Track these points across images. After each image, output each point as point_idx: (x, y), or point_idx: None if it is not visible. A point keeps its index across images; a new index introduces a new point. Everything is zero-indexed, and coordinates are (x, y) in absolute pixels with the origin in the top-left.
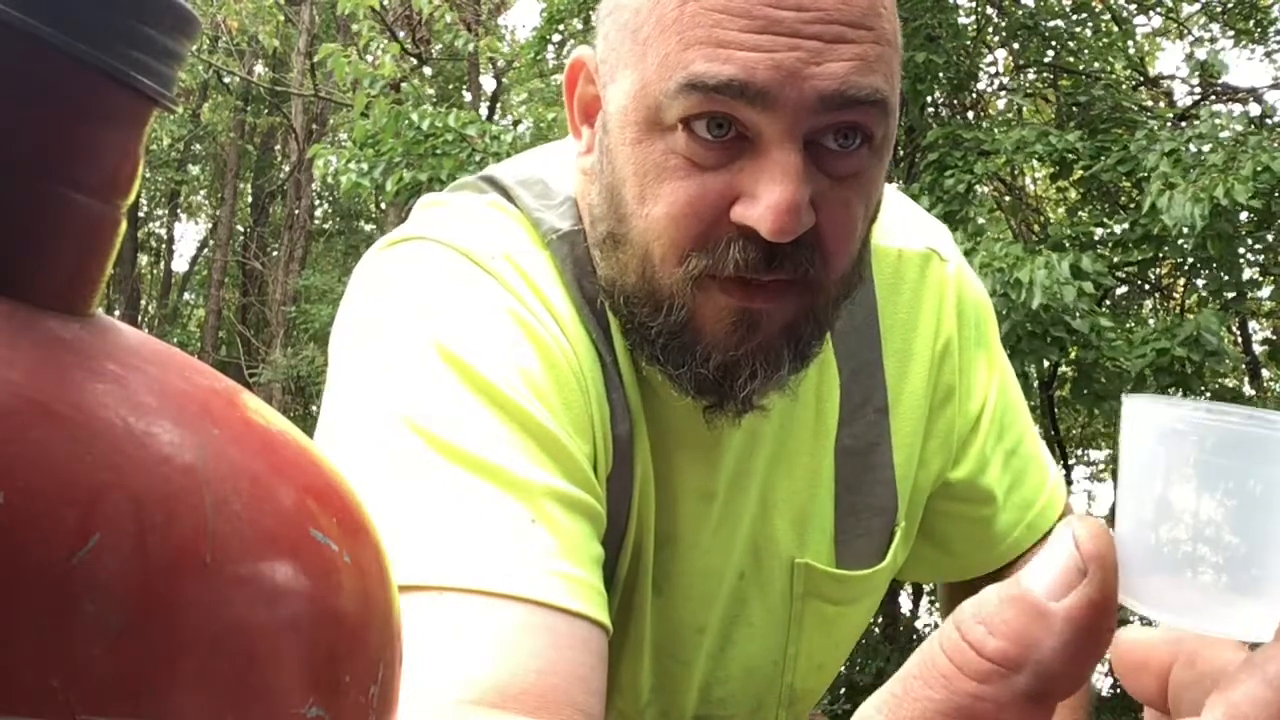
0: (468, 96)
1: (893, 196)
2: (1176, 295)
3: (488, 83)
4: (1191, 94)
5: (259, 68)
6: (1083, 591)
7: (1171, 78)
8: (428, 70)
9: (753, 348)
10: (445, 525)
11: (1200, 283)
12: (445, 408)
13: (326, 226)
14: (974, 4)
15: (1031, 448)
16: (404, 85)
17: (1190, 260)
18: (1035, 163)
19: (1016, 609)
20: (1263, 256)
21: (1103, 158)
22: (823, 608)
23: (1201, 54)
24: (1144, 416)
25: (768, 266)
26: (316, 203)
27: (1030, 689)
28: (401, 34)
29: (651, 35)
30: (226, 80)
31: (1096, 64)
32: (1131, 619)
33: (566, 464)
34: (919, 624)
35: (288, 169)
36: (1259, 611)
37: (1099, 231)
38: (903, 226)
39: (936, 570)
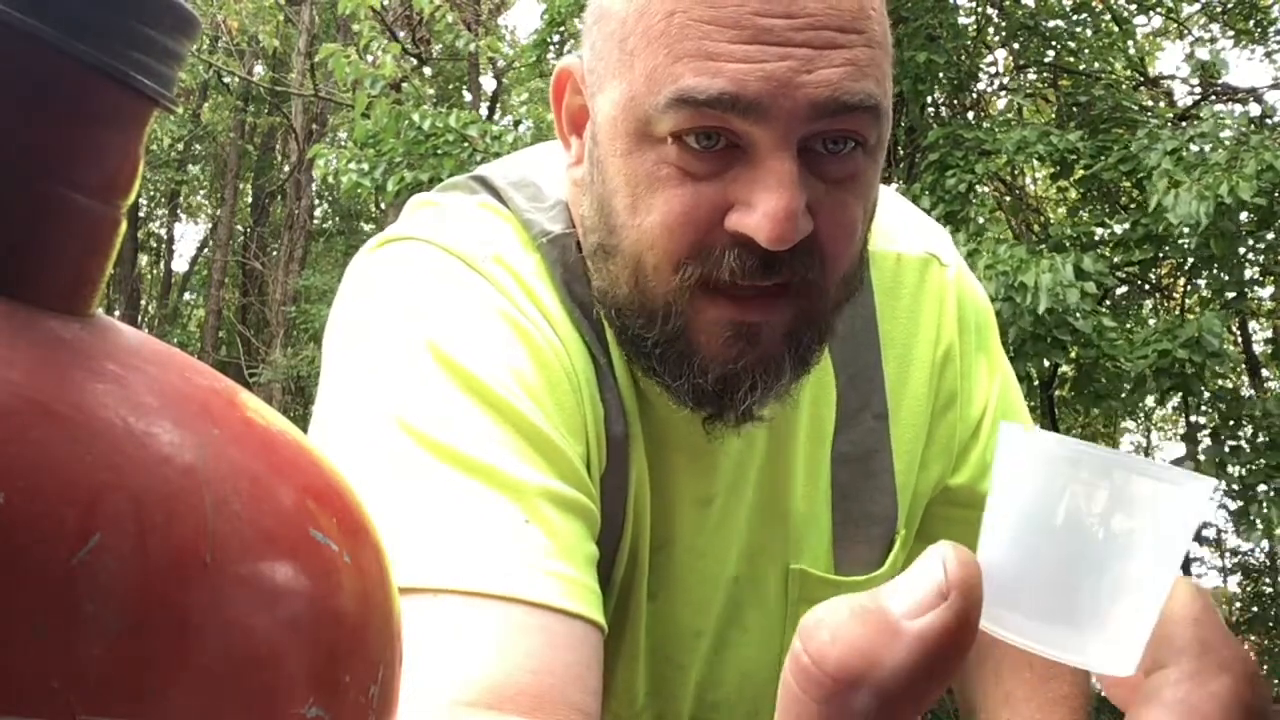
0: (468, 96)
1: (891, 200)
2: (1176, 295)
3: (488, 83)
4: (1192, 94)
5: (259, 68)
6: (940, 615)
7: (1171, 78)
8: (428, 70)
9: (752, 360)
10: (439, 526)
11: (1201, 283)
12: (437, 408)
13: (326, 226)
14: (974, 4)
15: None
16: (404, 85)
17: (1191, 260)
18: (1036, 163)
19: (867, 623)
20: (1264, 256)
21: (1103, 157)
22: None
23: (1202, 54)
24: (1022, 447)
25: (765, 273)
26: (316, 203)
27: (869, 710)
28: (401, 34)
29: (639, 46)
30: (226, 80)
31: (1096, 64)
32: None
33: (560, 464)
34: None
35: (288, 169)
36: (1102, 646)
37: (1099, 231)
38: (901, 231)
39: None
